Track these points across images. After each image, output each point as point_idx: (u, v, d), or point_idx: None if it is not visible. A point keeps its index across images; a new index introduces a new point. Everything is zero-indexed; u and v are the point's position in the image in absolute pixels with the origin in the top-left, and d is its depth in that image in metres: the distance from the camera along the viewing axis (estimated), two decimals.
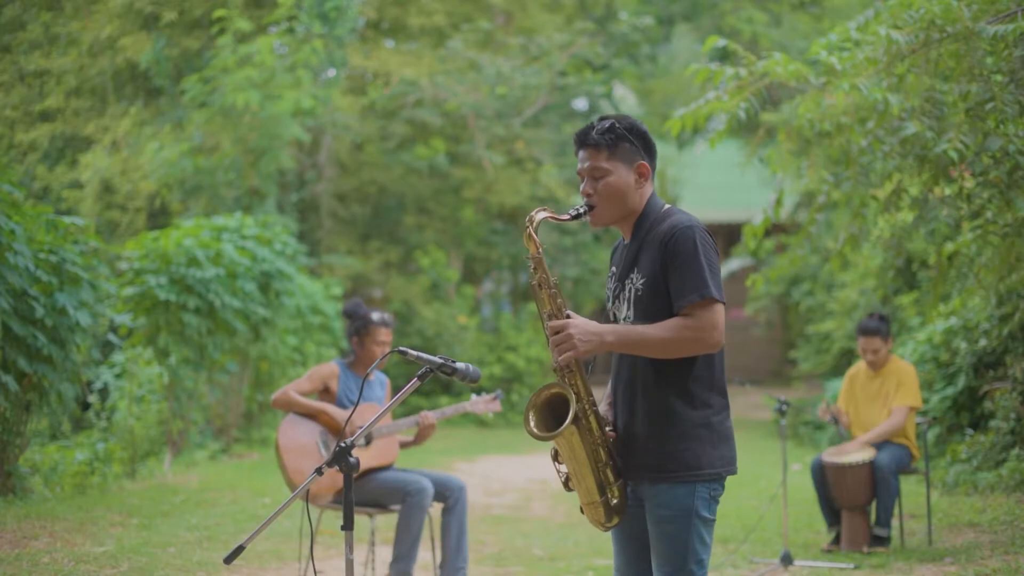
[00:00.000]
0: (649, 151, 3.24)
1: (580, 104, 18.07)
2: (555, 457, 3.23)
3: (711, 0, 20.77)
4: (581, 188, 3.22)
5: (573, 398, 3.06)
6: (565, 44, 16.47)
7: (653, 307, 3.11)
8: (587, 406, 3.13)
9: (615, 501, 3.17)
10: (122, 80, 15.22)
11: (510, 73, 15.77)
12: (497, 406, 5.54)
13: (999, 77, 5.95)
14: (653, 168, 3.27)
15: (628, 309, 3.18)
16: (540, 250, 3.12)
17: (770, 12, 19.27)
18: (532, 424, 3.12)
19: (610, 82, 18.70)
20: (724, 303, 3.06)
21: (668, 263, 3.07)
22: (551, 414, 3.14)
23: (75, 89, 15.30)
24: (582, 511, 3.24)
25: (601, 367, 3.47)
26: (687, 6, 21.79)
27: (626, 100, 20.95)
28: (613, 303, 3.26)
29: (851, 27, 6.57)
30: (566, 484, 3.24)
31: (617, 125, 3.19)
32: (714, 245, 3.13)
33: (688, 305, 3.02)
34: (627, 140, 3.19)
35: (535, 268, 3.13)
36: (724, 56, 16.89)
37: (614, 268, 3.31)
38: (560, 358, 3.03)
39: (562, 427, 3.04)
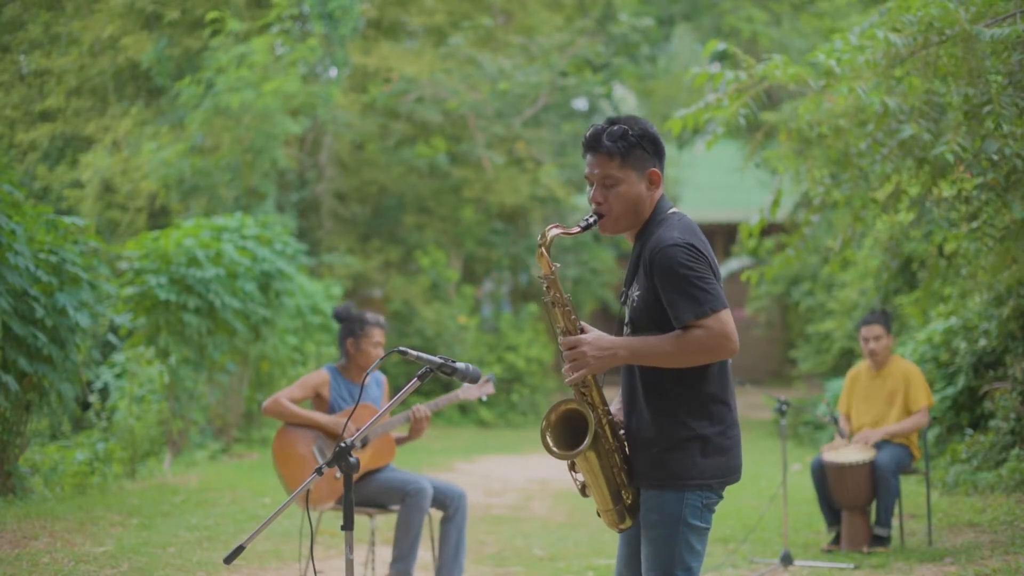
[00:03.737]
0: (660, 155, 3.17)
1: (580, 104, 18.07)
2: (571, 467, 3.22)
3: (711, 0, 20.75)
4: (589, 195, 3.15)
5: (592, 418, 3.05)
6: (565, 44, 16.47)
7: (647, 319, 3.11)
8: (602, 415, 3.12)
9: (630, 502, 3.19)
10: (123, 80, 15.22)
11: (511, 71, 15.78)
12: (490, 388, 5.43)
13: (999, 78, 5.95)
14: (663, 172, 3.20)
15: (627, 319, 3.19)
16: (554, 269, 3.08)
17: (770, 11, 19.25)
18: (550, 442, 3.12)
19: (610, 82, 18.69)
20: (727, 307, 3.01)
21: (657, 283, 3.04)
22: (567, 429, 3.14)
23: (76, 89, 15.29)
24: (599, 515, 3.26)
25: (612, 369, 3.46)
26: (687, 6, 21.76)
27: (626, 100, 20.94)
28: (622, 307, 3.25)
29: (852, 37, 6.56)
30: (582, 491, 3.25)
31: (630, 132, 3.11)
32: (701, 254, 3.04)
33: (691, 323, 2.98)
34: (640, 147, 3.12)
35: (548, 287, 3.08)
36: (724, 56, 16.89)
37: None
38: (574, 376, 3.02)
39: (581, 447, 3.05)
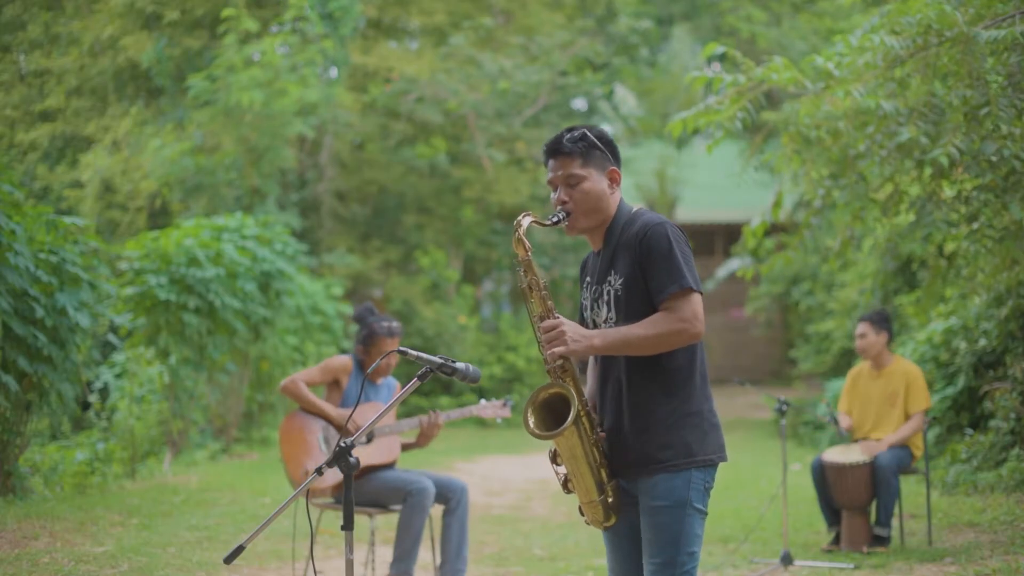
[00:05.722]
0: (617, 159, 3.31)
1: (580, 104, 18.06)
2: (553, 459, 3.27)
3: (711, 0, 20.75)
4: (554, 197, 3.25)
5: (574, 397, 3.09)
6: (565, 43, 16.47)
7: (632, 305, 3.16)
8: (581, 407, 3.15)
9: (611, 500, 3.22)
10: (123, 80, 15.22)
11: (511, 71, 15.78)
12: (507, 412, 5.45)
13: (999, 79, 5.95)
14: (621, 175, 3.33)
15: (608, 311, 3.23)
16: (529, 253, 3.16)
17: (770, 11, 19.25)
18: (532, 424, 3.14)
19: (611, 82, 18.68)
20: (701, 293, 3.13)
21: (644, 260, 3.14)
22: (549, 414, 3.17)
23: (76, 89, 15.30)
24: (581, 512, 3.26)
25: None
26: (686, 5, 21.76)
27: (626, 101, 20.95)
28: (591, 310, 3.30)
29: (853, 40, 6.56)
30: (565, 485, 3.26)
31: (588, 133, 3.24)
32: (686, 240, 3.20)
33: (668, 297, 3.09)
34: (598, 148, 3.24)
35: (525, 271, 3.17)
36: (723, 58, 16.87)
37: (588, 278, 3.36)
38: (552, 352, 3.07)
39: (564, 426, 3.07)
